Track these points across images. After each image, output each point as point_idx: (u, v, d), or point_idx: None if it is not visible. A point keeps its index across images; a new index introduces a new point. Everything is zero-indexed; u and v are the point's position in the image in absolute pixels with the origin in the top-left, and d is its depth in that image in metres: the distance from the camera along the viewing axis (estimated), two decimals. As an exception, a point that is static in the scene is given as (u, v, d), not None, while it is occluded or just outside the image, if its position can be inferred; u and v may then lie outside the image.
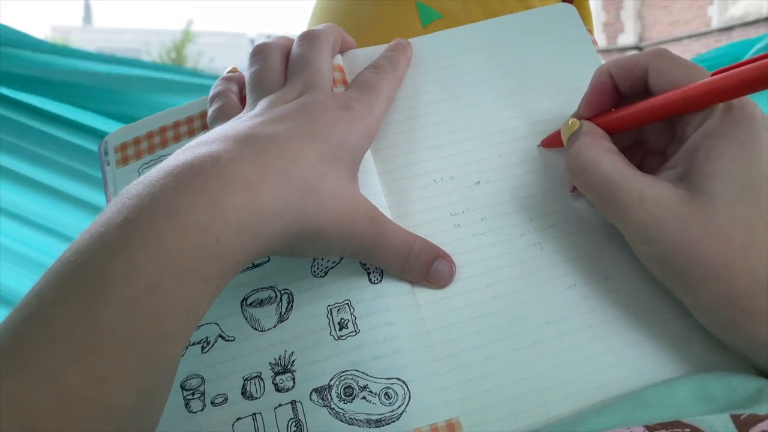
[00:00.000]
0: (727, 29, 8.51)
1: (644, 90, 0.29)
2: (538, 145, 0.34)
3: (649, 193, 0.26)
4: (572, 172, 0.29)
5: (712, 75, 0.27)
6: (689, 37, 9.07)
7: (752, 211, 0.25)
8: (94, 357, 0.19)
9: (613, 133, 0.30)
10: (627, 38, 9.76)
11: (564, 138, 0.31)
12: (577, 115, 0.32)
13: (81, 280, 0.20)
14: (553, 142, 0.34)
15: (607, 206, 0.28)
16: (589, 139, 0.29)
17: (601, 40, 9.85)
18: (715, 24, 8.76)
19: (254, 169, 0.24)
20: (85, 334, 0.19)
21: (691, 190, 0.26)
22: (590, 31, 0.39)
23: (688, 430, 0.23)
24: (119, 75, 0.60)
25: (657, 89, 0.28)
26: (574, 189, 0.33)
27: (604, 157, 0.28)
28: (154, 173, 0.23)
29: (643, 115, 0.29)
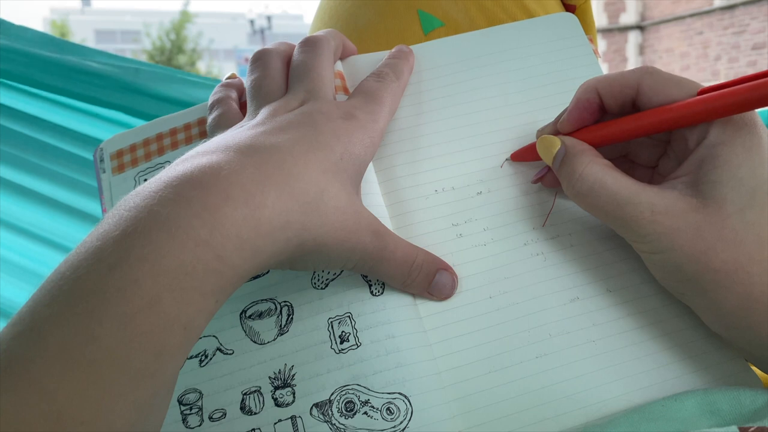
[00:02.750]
0: (730, 8, 8.38)
1: (631, 108, 0.29)
2: (507, 159, 0.33)
3: (658, 204, 0.26)
4: (577, 195, 0.29)
5: (700, 92, 0.27)
6: (691, 15, 8.93)
7: (762, 213, 0.25)
8: (89, 375, 0.19)
9: (598, 147, 0.29)
10: (629, 17, 9.65)
11: (545, 156, 0.30)
12: (554, 130, 0.31)
13: (76, 296, 0.20)
14: (524, 155, 0.33)
15: (617, 222, 0.28)
16: (587, 159, 0.29)
17: (603, 20, 9.74)
18: (718, 2, 8.61)
19: (256, 181, 0.23)
20: (79, 352, 0.19)
21: (699, 197, 0.26)
22: (592, 40, 0.39)
23: None
24: (127, 67, 0.60)
25: (648, 107, 0.28)
26: (539, 180, 0.32)
27: (606, 175, 0.28)
28: (153, 184, 0.23)
29: (635, 130, 0.28)
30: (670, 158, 0.29)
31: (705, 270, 0.25)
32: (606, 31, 9.60)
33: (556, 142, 0.30)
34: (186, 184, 0.22)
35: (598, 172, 0.28)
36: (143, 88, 0.62)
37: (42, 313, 0.20)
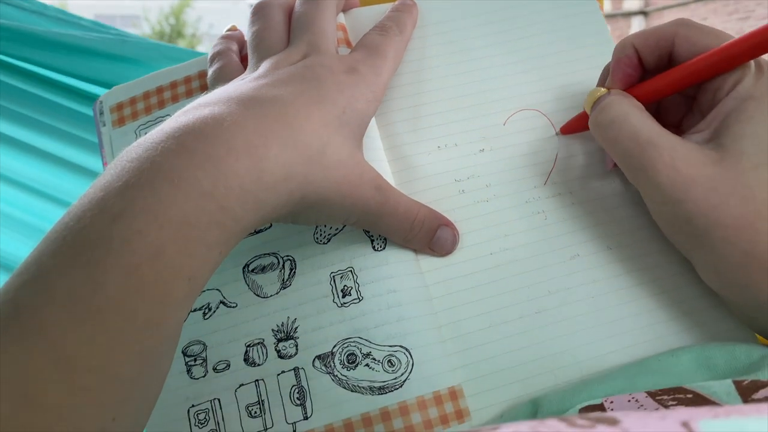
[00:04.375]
0: (736, -8, 8.29)
1: (668, 62, 0.29)
2: (557, 133, 0.33)
3: (679, 150, 0.26)
4: (599, 126, 0.28)
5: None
6: (695, 1, 8.75)
7: None
8: (95, 324, 0.19)
9: (645, 103, 0.29)
10: (632, 3, 9.52)
11: (588, 106, 0.30)
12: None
13: (81, 246, 0.20)
14: (573, 127, 0.33)
15: (633, 163, 0.27)
16: (619, 97, 0.28)
17: (606, 5, 9.42)
18: (723, -14, 8.53)
19: (258, 133, 0.23)
20: (85, 301, 0.19)
21: (718, 150, 0.26)
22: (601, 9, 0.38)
23: (691, 395, 0.23)
24: (116, 36, 0.59)
25: (685, 59, 0.28)
26: (614, 166, 0.32)
27: (633, 112, 0.27)
28: (155, 135, 0.22)
29: (679, 81, 0.28)
30: (695, 115, 0.29)
31: (715, 225, 0.25)
32: (609, 17, 9.41)
33: (603, 90, 0.29)
34: (188, 135, 0.22)
35: (624, 106, 0.28)
36: (130, 63, 0.61)
37: (47, 263, 0.20)
